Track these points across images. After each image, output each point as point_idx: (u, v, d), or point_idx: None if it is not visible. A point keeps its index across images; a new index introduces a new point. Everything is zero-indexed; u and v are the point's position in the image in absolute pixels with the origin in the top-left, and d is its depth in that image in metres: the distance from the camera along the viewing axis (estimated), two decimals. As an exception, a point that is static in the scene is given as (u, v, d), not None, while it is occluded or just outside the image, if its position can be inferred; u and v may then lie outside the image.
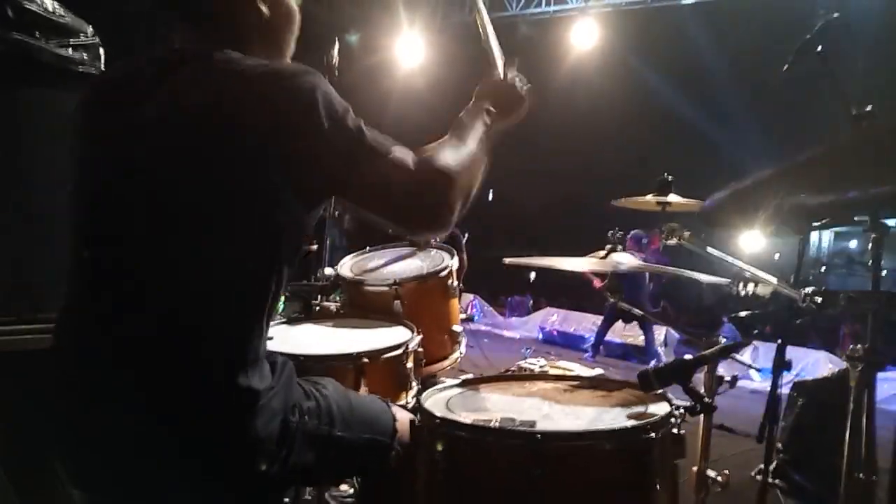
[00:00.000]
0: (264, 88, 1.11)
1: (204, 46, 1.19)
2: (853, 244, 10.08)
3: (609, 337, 8.02)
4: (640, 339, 7.83)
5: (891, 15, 6.67)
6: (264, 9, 1.26)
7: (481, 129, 1.34)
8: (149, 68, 1.20)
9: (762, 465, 2.42)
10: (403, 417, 1.51)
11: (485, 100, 1.40)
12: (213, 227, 1.11)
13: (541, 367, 2.85)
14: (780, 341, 2.34)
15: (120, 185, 1.16)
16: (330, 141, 1.11)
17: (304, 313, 2.44)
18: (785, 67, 2.31)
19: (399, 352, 1.93)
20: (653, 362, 5.34)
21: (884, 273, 1.63)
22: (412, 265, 2.54)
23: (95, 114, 1.24)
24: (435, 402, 1.63)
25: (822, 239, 10.18)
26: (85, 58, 2.33)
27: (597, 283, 6.92)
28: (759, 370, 6.24)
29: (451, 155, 1.21)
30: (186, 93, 1.14)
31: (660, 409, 1.53)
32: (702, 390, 1.61)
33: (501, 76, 1.44)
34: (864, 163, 1.25)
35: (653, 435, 1.40)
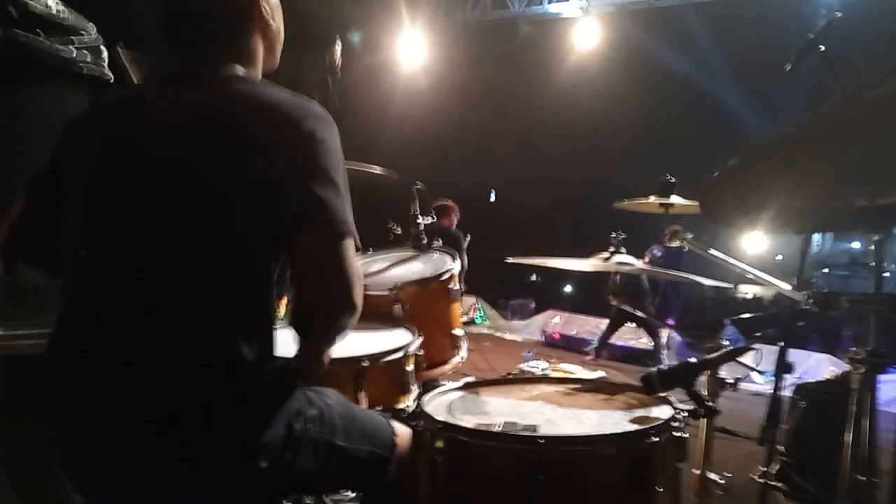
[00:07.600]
0: (266, 118, 1.15)
1: (201, 63, 1.25)
2: (856, 245, 10.05)
3: (611, 339, 8.00)
4: (642, 342, 7.80)
5: (893, 14, 6.65)
6: (259, 40, 1.32)
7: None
8: (153, 84, 1.27)
9: (763, 468, 2.42)
10: (403, 432, 1.51)
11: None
12: (210, 232, 1.14)
13: (542, 370, 2.85)
14: (782, 344, 2.34)
15: (122, 188, 1.18)
16: (309, 191, 1.13)
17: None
18: (788, 67, 2.31)
19: (400, 354, 1.92)
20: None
21: (887, 274, 1.62)
22: (414, 269, 2.53)
23: (103, 126, 1.28)
24: (436, 405, 1.62)
25: (824, 240, 10.16)
26: (88, 58, 2.33)
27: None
28: (761, 372, 6.21)
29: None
30: (188, 108, 1.18)
31: (662, 412, 1.53)
32: (703, 392, 1.61)
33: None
34: (868, 165, 1.25)
35: (656, 439, 1.40)
